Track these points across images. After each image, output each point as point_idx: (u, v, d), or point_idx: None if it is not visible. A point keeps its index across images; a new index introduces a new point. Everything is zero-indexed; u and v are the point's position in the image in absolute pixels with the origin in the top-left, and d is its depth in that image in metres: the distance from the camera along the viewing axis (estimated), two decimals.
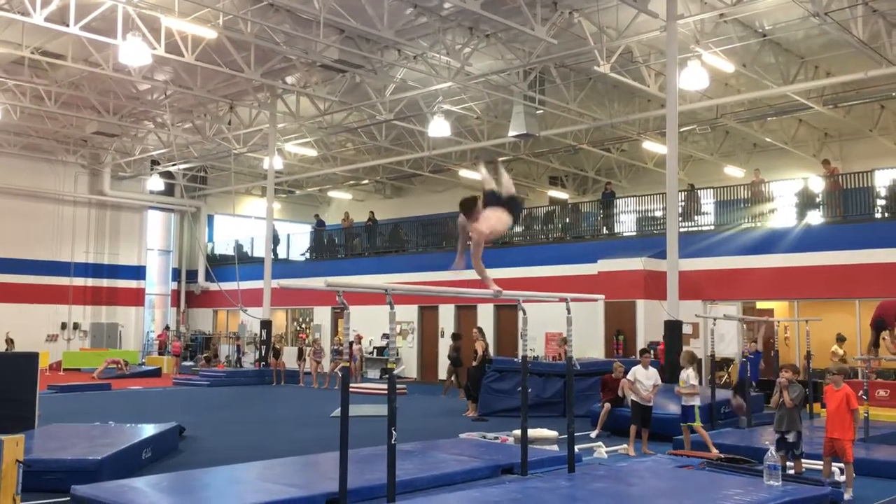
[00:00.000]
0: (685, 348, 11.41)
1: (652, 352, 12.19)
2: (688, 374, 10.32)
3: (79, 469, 7.78)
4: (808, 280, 17.75)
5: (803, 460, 8.38)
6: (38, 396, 10.67)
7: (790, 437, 8.21)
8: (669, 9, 15.12)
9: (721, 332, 16.02)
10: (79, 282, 30.23)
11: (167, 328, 31.13)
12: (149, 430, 10.27)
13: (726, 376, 18.89)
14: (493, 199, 7.06)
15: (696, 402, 10.21)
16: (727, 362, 18.75)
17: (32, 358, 10.86)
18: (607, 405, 11.94)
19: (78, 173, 30.15)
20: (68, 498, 6.90)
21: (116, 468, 8.09)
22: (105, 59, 18.63)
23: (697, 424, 10.11)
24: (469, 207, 6.85)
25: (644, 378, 10.68)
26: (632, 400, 10.79)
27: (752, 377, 13.04)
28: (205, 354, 28.35)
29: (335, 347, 21.55)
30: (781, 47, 17.94)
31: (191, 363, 27.99)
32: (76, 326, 30.05)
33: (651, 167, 25.67)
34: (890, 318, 12.10)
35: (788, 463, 8.22)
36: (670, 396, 13.21)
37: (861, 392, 11.03)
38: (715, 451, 9.59)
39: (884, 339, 12.20)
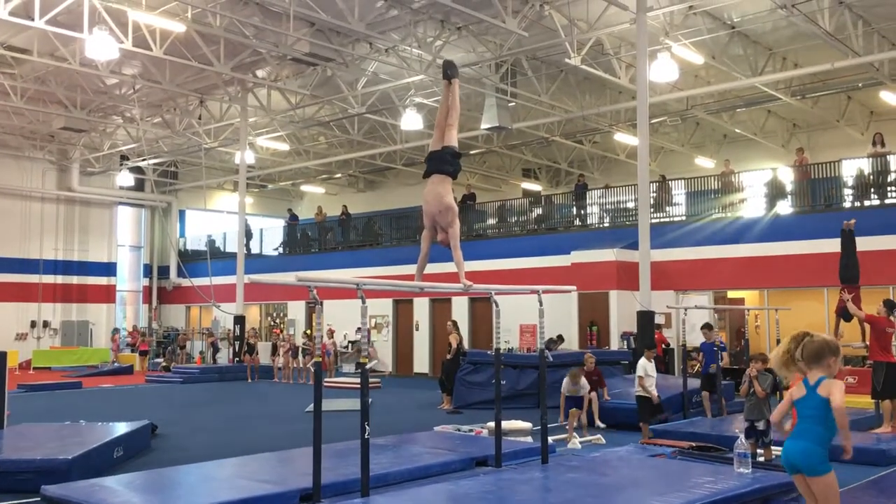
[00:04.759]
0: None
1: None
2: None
3: (49, 469, 7.67)
4: (778, 269, 17.97)
5: (773, 447, 8.50)
6: (8, 396, 10.55)
7: (760, 426, 8.33)
8: (639, 1, 15.21)
9: (693, 322, 16.18)
10: (48, 279, 29.82)
11: (135, 327, 30.75)
12: (120, 428, 10.15)
13: (698, 365, 19.09)
14: (438, 161, 6.64)
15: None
16: (698, 351, 18.93)
17: (0, 357, 10.69)
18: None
19: (46, 169, 29.72)
20: (38, 498, 6.82)
21: (87, 467, 7.99)
22: (71, 53, 18.36)
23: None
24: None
25: (652, 371, 10.64)
26: (638, 395, 10.65)
27: (707, 368, 12.38)
28: (163, 363, 26.77)
29: (304, 342, 21.29)
30: (750, 39, 18.11)
31: (160, 360, 27.71)
32: (46, 324, 29.66)
33: (623, 159, 25.83)
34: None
35: (758, 450, 8.33)
36: None
37: None
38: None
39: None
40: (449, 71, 6.74)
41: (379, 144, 26.14)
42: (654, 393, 10.54)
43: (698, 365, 18.91)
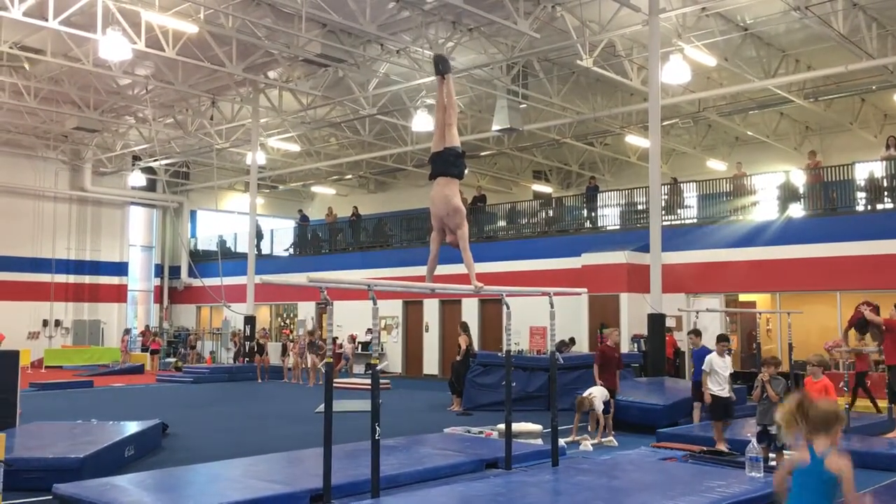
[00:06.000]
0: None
1: (727, 341, 10.34)
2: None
3: (60, 467, 7.70)
4: (790, 272, 17.87)
5: (785, 452, 8.44)
6: (19, 394, 10.59)
7: (772, 430, 8.27)
8: (651, 3, 15.17)
9: (704, 325, 16.12)
10: (60, 278, 29.97)
11: (147, 327, 30.87)
12: (131, 427, 10.18)
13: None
14: (442, 163, 6.50)
15: None
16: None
17: (13, 356, 10.74)
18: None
19: (58, 169, 29.87)
20: (50, 497, 6.85)
21: (98, 466, 8.02)
22: (85, 53, 18.46)
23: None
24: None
25: (721, 368, 9.82)
26: (711, 394, 9.79)
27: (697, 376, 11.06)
28: (174, 363, 27.35)
29: (313, 341, 21.16)
30: (763, 41, 18.04)
31: (171, 360, 27.80)
32: (58, 323, 29.82)
33: (634, 161, 25.76)
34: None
35: (770, 455, 8.28)
36: (654, 388, 13.33)
37: (841, 383, 11.15)
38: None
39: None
40: (441, 65, 6.51)
41: (390, 146, 26.15)
42: (710, 391, 9.71)
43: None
